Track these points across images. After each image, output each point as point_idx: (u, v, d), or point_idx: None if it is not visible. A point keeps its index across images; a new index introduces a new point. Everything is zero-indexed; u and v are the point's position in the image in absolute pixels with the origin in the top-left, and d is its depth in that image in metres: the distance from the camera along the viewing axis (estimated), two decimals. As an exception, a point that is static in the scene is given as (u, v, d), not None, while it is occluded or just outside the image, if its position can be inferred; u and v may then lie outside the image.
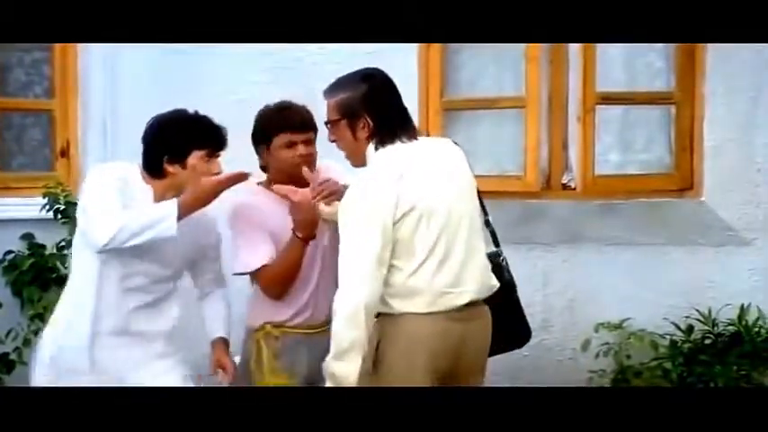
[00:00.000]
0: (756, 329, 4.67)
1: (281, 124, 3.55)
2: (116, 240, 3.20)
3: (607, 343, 4.77)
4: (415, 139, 3.27)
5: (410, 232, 3.12)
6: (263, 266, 3.51)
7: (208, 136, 3.38)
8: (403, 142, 3.22)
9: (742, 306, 4.73)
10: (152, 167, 3.38)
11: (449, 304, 3.19)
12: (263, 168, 3.69)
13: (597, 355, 4.74)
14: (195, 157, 3.34)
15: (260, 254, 3.52)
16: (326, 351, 3.63)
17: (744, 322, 4.68)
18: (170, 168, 3.35)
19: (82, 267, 3.40)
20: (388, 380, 3.15)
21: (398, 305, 3.15)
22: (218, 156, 3.39)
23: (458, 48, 5.10)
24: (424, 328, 3.17)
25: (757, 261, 4.89)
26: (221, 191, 3.30)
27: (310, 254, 3.57)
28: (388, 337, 3.15)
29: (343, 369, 3.08)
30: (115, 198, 3.27)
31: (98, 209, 3.26)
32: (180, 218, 3.21)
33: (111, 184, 3.30)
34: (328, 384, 3.13)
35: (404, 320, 3.15)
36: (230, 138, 3.44)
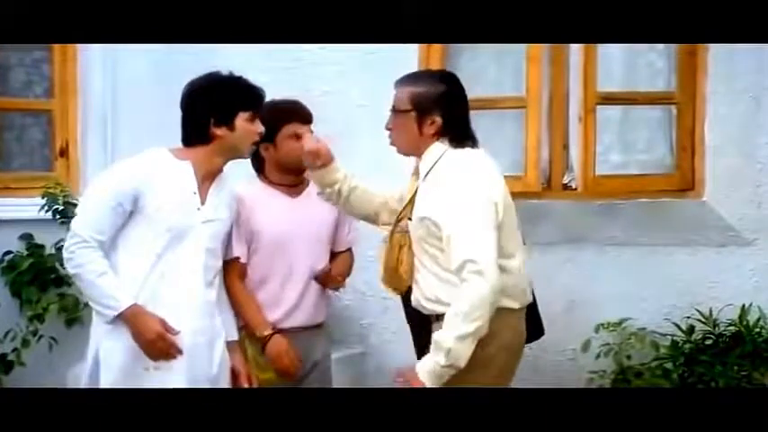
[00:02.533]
0: (757, 330, 4.64)
1: (289, 115, 3.62)
2: (66, 263, 3.32)
3: (608, 343, 4.76)
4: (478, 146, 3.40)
5: (507, 233, 3.26)
6: (232, 260, 3.57)
7: (253, 96, 3.40)
8: (473, 148, 3.36)
9: (743, 306, 4.71)
10: (197, 133, 3.37)
11: (526, 300, 3.38)
12: (256, 168, 3.74)
13: (598, 356, 4.73)
14: (241, 119, 3.35)
15: (231, 249, 3.58)
16: (312, 348, 3.68)
17: (745, 322, 4.66)
18: (218, 131, 3.34)
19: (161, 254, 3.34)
20: (485, 373, 3.20)
21: (503, 301, 3.21)
22: (258, 116, 3.40)
23: (458, 48, 5.09)
24: (519, 323, 3.36)
25: (759, 261, 4.86)
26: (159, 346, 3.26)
27: (295, 254, 3.63)
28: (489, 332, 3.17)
29: (462, 351, 3.07)
30: (106, 217, 3.27)
31: (80, 221, 3.32)
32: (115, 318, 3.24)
33: (111, 198, 3.28)
34: (438, 356, 3.08)
35: (502, 316, 3.19)
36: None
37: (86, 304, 4.56)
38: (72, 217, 4.53)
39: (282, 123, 3.59)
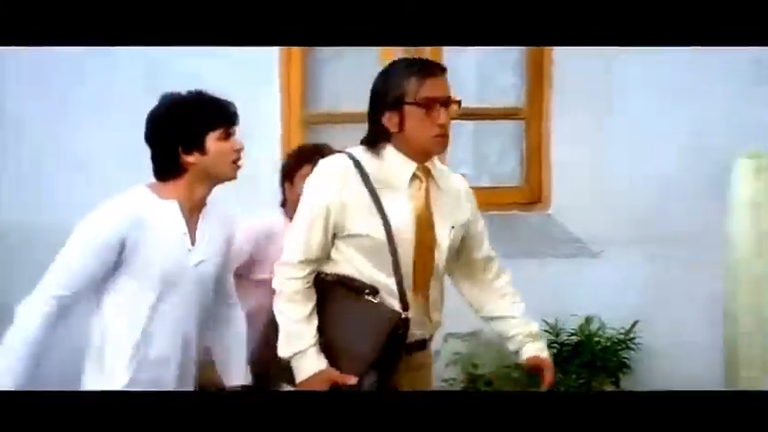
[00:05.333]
0: (597, 339, 4.79)
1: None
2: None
3: (458, 353, 4.84)
4: None
5: None
6: None
7: (219, 112, 3.04)
8: None
9: (586, 317, 4.85)
10: (167, 166, 3.03)
11: None
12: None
13: (447, 365, 4.81)
14: (212, 139, 3.00)
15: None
16: None
17: (586, 332, 4.80)
18: (189, 159, 3.00)
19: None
20: None
21: None
22: (233, 132, 3.06)
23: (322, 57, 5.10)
24: None
25: (604, 272, 4.99)
26: None
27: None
28: None
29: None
30: (84, 271, 2.94)
31: (53, 278, 2.94)
32: None
33: (96, 250, 2.94)
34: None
35: None
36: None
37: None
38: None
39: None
